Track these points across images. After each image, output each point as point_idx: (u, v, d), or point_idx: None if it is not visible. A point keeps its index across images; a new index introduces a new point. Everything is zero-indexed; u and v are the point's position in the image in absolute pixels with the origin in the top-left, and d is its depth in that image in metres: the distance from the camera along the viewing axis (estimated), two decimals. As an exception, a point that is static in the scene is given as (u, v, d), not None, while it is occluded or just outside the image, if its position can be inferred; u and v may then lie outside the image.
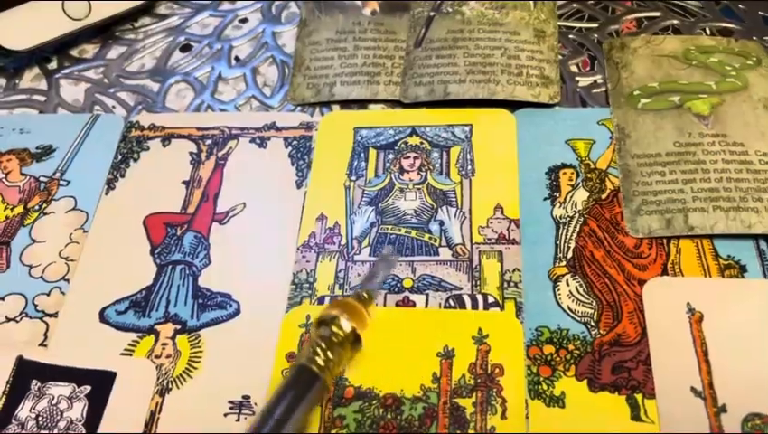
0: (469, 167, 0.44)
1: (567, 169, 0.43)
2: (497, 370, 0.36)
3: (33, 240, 0.43)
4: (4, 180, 0.46)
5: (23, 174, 0.46)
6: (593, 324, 0.37)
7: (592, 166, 0.43)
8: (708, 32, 0.49)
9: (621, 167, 0.42)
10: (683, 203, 0.40)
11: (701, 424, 0.33)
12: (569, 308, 0.38)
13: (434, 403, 0.35)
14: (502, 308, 0.38)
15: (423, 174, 0.44)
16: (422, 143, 0.45)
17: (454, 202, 0.42)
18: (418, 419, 0.35)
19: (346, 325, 0.34)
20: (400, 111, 0.47)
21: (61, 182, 0.45)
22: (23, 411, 0.36)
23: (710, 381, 0.34)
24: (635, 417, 0.34)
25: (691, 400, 0.34)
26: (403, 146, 0.45)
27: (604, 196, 0.42)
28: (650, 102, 0.45)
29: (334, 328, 0.34)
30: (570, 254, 0.39)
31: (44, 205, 0.44)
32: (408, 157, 0.45)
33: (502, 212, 0.41)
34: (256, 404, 0.36)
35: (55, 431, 0.35)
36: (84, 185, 0.45)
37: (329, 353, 0.33)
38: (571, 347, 0.36)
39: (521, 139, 0.44)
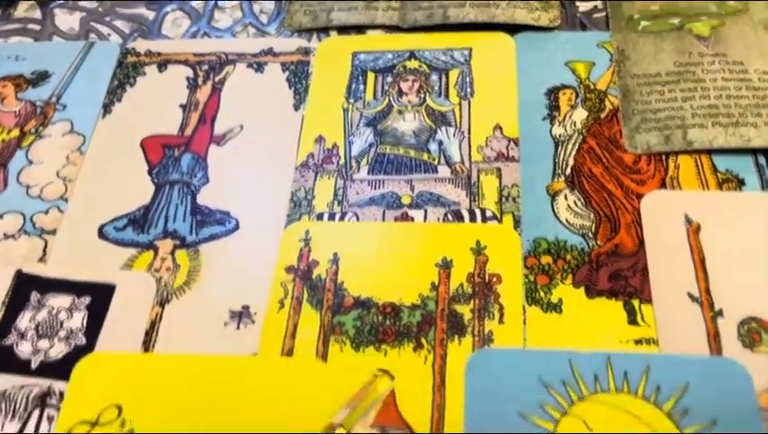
0: (468, 89, 0.43)
1: (567, 90, 0.43)
2: (495, 278, 0.36)
3: (31, 162, 0.43)
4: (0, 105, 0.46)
5: (18, 99, 0.46)
6: (590, 235, 0.37)
7: (591, 87, 0.43)
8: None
9: (620, 87, 0.42)
10: (682, 120, 0.40)
11: (697, 328, 0.34)
12: (567, 221, 0.38)
13: (432, 310, 0.35)
14: (500, 222, 0.38)
15: (421, 96, 0.44)
16: (421, 66, 0.45)
17: (453, 123, 0.42)
18: (417, 325, 0.35)
19: None
20: (399, 35, 0.47)
21: (57, 106, 0.45)
22: (23, 322, 0.36)
23: (707, 287, 0.35)
24: (632, 321, 0.34)
25: (688, 305, 0.34)
26: (402, 69, 0.45)
27: (603, 115, 0.41)
28: (651, 25, 0.44)
29: None
30: (569, 171, 0.39)
31: (41, 129, 0.44)
32: (407, 80, 0.44)
33: (501, 132, 0.41)
34: (255, 313, 0.36)
35: (55, 340, 0.36)
36: (80, 109, 0.45)
37: None
38: (569, 258, 0.36)
39: (521, 62, 0.44)
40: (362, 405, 0.32)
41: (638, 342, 0.33)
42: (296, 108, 0.44)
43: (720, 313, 0.34)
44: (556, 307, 0.35)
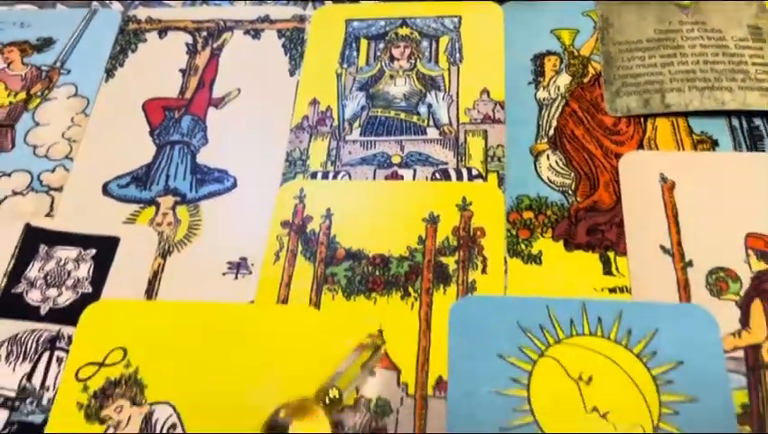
0: (457, 55, 0.45)
1: (552, 56, 0.44)
2: (479, 232, 0.38)
3: (37, 123, 0.44)
4: (6, 69, 0.47)
5: (24, 64, 0.47)
6: (570, 192, 0.39)
7: (575, 54, 0.44)
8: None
9: (603, 54, 0.44)
10: (660, 84, 0.42)
11: (668, 277, 0.36)
12: (549, 179, 0.40)
13: (419, 262, 0.37)
14: (485, 180, 0.40)
15: (412, 61, 0.45)
16: (412, 33, 0.46)
17: (442, 87, 0.44)
18: (404, 275, 0.37)
19: None
20: (391, 4, 0.48)
21: (62, 71, 0.47)
22: (32, 272, 0.38)
23: (679, 240, 0.37)
24: (607, 272, 0.36)
25: (660, 256, 0.36)
26: (393, 36, 0.46)
27: (585, 80, 0.43)
28: (634, -6, 0.46)
29: None
30: (552, 132, 0.41)
31: (46, 92, 0.46)
32: (399, 47, 0.46)
33: (488, 95, 0.43)
34: (252, 265, 0.38)
35: (63, 289, 0.38)
36: (84, 74, 0.46)
37: None
38: (549, 213, 0.38)
39: (508, 30, 0.46)
40: (354, 366, 0.33)
41: (612, 290, 0.36)
42: (292, 73, 0.45)
43: (690, 263, 0.36)
44: (536, 259, 0.37)
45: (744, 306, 0.34)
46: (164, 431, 0.33)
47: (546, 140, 0.41)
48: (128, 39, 0.48)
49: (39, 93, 0.46)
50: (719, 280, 0.35)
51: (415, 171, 0.41)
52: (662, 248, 0.36)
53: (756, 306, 0.34)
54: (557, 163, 0.40)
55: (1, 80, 0.46)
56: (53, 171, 0.42)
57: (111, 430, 0.33)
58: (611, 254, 0.37)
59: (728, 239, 0.36)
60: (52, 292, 0.38)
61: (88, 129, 0.44)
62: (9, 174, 0.42)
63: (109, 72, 0.46)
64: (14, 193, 0.42)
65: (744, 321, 0.34)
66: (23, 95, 0.46)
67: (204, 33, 0.48)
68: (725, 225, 0.37)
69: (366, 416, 0.33)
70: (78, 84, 0.46)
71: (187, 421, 0.33)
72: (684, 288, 0.35)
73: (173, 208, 0.40)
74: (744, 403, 0.32)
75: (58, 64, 0.47)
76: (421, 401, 0.33)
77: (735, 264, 0.36)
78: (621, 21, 0.45)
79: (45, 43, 0.48)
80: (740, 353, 0.33)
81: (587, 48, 0.45)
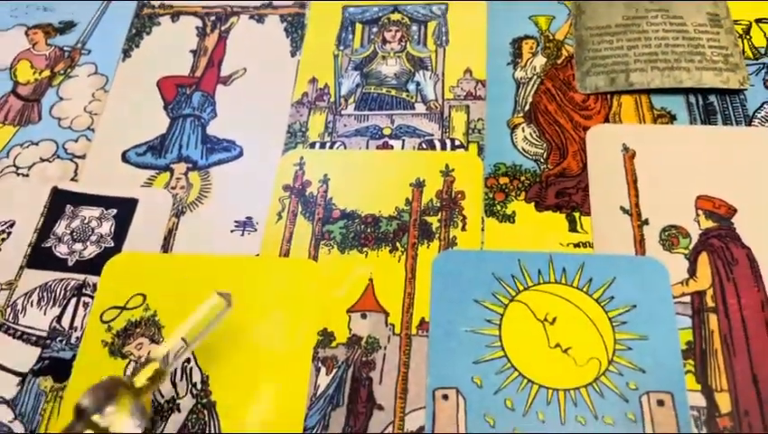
0: (444, 38, 0.49)
1: (529, 40, 0.49)
2: (459, 195, 0.42)
3: (61, 98, 0.49)
4: (32, 49, 0.51)
5: (48, 45, 0.52)
6: (542, 161, 0.43)
7: (551, 38, 0.49)
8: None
9: (576, 38, 0.48)
10: (626, 65, 0.46)
11: (626, 234, 0.40)
12: (523, 149, 0.44)
13: (406, 221, 0.42)
14: (467, 149, 0.44)
15: (403, 44, 0.50)
16: (403, 18, 0.51)
17: (430, 67, 0.48)
18: (393, 233, 0.41)
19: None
20: (384, -8, 0.53)
21: (83, 51, 0.51)
22: (60, 228, 0.43)
23: (637, 201, 0.41)
24: (572, 229, 0.41)
25: (619, 216, 0.41)
26: (386, 21, 0.51)
27: (559, 61, 0.47)
28: (606, -16, 0.50)
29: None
30: (527, 108, 0.46)
31: (69, 70, 0.50)
32: (390, 30, 0.50)
33: (471, 75, 0.47)
34: (257, 223, 0.42)
35: (88, 243, 0.42)
36: (103, 54, 0.51)
37: None
38: (523, 178, 0.43)
39: (490, 16, 0.50)
40: (202, 322, 0.35)
41: (576, 245, 0.40)
42: (293, 54, 0.50)
43: (646, 222, 0.40)
44: (509, 218, 0.41)
45: (693, 259, 0.39)
46: (180, 365, 0.37)
47: (522, 115, 0.45)
48: (143, 23, 0.52)
49: (62, 71, 0.50)
50: (671, 236, 0.40)
51: (403, 141, 0.45)
52: (622, 208, 0.41)
53: (703, 258, 0.39)
54: (531, 135, 0.44)
55: (27, 59, 0.51)
56: (77, 141, 0.47)
57: (133, 365, 0.38)
58: (576, 214, 0.41)
59: (681, 200, 0.41)
60: (78, 246, 0.42)
61: (107, 104, 0.48)
62: (37, 144, 0.47)
63: (126, 53, 0.51)
64: (42, 160, 0.46)
65: (692, 271, 0.38)
66: (47, 73, 0.50)
67: (213, 18, 0.52)
68: (679, 189, 0.41)
69: (358, 351, 0.37)
70: (97, 63, 0.50)
71: (200, 357, 0.38)
72: (640, 243, 0.39)
73: (186, 174, 0.45)
74: (688, 341, 0.36)
75: (79, 45, 0.51)
76: (406, 339, 0.37)
77: (686, 222, 0.40)
78: (592, 8, 0.49)
79: (67, 26, 0.52)
80: (687, 299, 0.38)
81: (562, 32, 0.49)
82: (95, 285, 0.40)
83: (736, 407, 0.34)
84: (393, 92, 0.47)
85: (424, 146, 0.45)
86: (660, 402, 0.35)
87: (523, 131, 0.45)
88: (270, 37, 0.50)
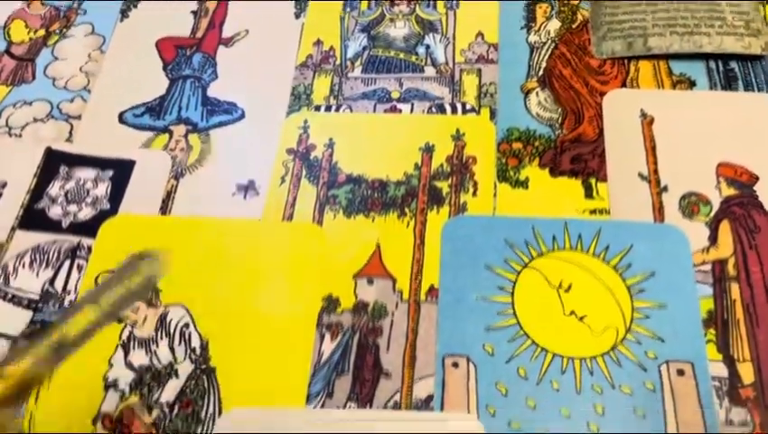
0: (454, 1, 0.48)
1: (543, 4, 0.47)
2: (471, 160, 0.41)
3: (56, 58, 0.47)
4: (26, 9, 0.49)
5: (43, 5, 0.50)
6: (557, 126, 0.42)
7: (565, 1, 0.47)
8: None
9: (591, 1, 0.46)
10: (644, 30, 0.44)
11: (645, 201, 0.38)
12: (537, 114, 0.42)
13: (414, 186, 0.40)
14: (478, 113, 0.43)
15: (412, 6, 0.48)
16: (412, -19, 0.49)
17: (440, 30, 0.46)
18: (401, 198, 0.40)
19: None
20: (393, -46, 0.51)
21: (79, 11, 0.49)
22: (54, 190, 0.41)
23: (656, 168, 0.39)
24: (588, 195, 0.39)
25: (638, 182, 0.39)
26: (394, -17, 0.49)
27: (574, 26, 0.46)
28: (623, -52, 0.49)
29: None
30: (541, 72, 0.44)
31: (64, 30, 0.48)
32: (399, -7, 0.49)
33: (483, 38, 0.46)
34: (260, 186, 0.41)
35: (83, 205, 0.40)
36: (100, 14, 0.49)
37: None
38: (537, 144, 0.41)
39: (503, -21, 0.49)
40: (124, 286, 0.28)
41: (593, 212, 0.38)
42: (297, 16, 0.48)
43: (665, 189, 0.39)
44: (523, 184, 0.40)
45: (714, 227, 0.37)
46: (178, 330, 0.36)
47: (535, 79, 0.44)
48: (142, -18, 0.50)
49: (57, 31, 0.48)
50: (691, 204, 0.38)
51: (412, 105, 0.43)
52: (640, 175, 0.39)
53: (724, 226, 0.37)
54: (545, 100, 0.43)
55: (21, 18, 0.49)
56: (72, 101, 0.45)
57: (128, 329, 0.36)
58: (592, 180, 0.39)
59: (701, 167, 0.39)
60: (73, 208, 0.40)
61: (104, 65, 0.46)
62: (30, 103, 0.45)
63: (124, 13, 0.49)
64: (36, 120, 0.44)
65: (713, 239, 0.37)
66: (42, 32, 0.48)
67: (214, -21, 0.50)
68: (699, 156, 0.40)
69: (364, 318, 0.36)
70: (94, 23, 0.48)
71: (199, 322, 0.36)
72: (659, 211, 0.38)
73: (186, 136, 0.43)
74: (709, 310, 0.35)
75: (75, 5, 0.49)
76: (414, 306, 0.36)
77: (707, 190, 0.38)
78: (609, -28, 0.47)
79: (63, -15, 0.50)
80: (708, 267, 0.36)
81: (577, -3, 0.47)
82: (90, 247, 0.39)
83: (760, 377, 0.33)
84: (402, 55, 0.46)
85: (434, 109, 0.43)
86: (681, 372, 0.33)
87: (537, 96, 0.43)
88: (274, -2, 0.49)
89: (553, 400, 0.33)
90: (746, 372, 0.33)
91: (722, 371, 0.33)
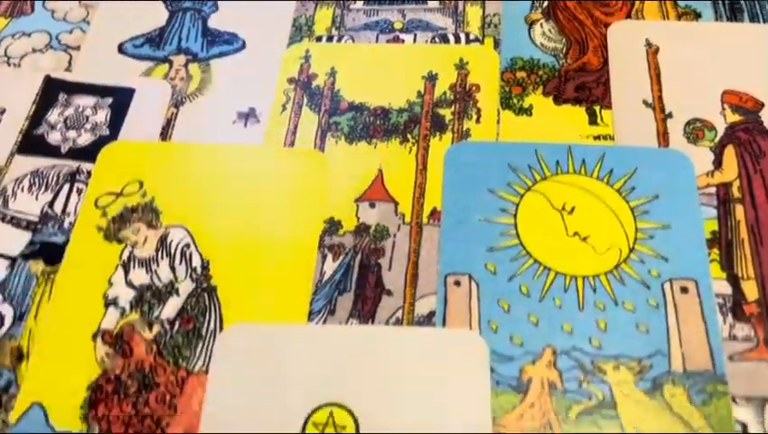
0: (457, -65, 0.47)
1: (548, -61, 0.47)
2: (474, 88, 0.40)
3: (54, -10, 0.47)
4: (23, -57, 0.49)
5: (41, -62, 0.49)
6: (561, 56, 0.41)
7: (570, -64, 0.47)
8: None
9: (596, -64, 0.46)
10: (650, -39, 0.44)
11: (649, 127, 0.38)
12: (542, 44, 0.42)
13: (417, 113, 0.40)
14: (482, 43, 0.42)
15: (415, -60, 0.47)
16: None
17: (443, -36, 0.46)
18: (403, 124, 0.39)
19: None
20: None
21: (78, -55, 0.49)
22: (53, 116, 0.41)
23: (660, 95, 0.39)
24: (593, 122, 0.39)
25: (642, 109, 0.39)
26: None
27: (579, -41, 0.45)
28: None
29: None
30: (545, 4, 0.44)
31: (63, -37, 0.48)
32: (402, -73, 0.48)
33: (486, -29, 0.45)
34: (260, 114, 0.40)
35: (82, 131, 0.40)
36: (99, -52, 0.49)
37: None
38: (541, 73, 0.41)
39: None
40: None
41: (597, 138, 0.38)
42: (299, -50, 0.48)
43: (670, 115, 0.38)
44: (526, 111, 0.39)
45: (718, 152, 0.37)
46: (179, 250, 0.36)
47: (540, 11, 0.43)
48: None
49: (56, -36, 0.48)
50: (696, 129, 0.38)
51: (415, 36, 0.43)
52: (644, 102, 0.39)
53: (729, 151, 0.37)
54: (549, 30, 0.42)
55: (19, -49, 0.49)
56: (71, 32, 0.44)
57: (129, 249, 0.36)
58: (597, 107, 0.39)
59: (706, 95, 0.39)
60: (72, 134, 0.40)
61: (103, -4, 0.46)
62: (29, 35, 0.44)
63: (123, -53, 0.48)
64: (34, 51, 0.44)
65: (718, 163, 0.37)
66: (40, -35, 0.48)
67: None
68: (704, 84, 0.39)
69: (366, 239, 0.36)
70: (93, -43, 0.48)
71: (200, 243, 0.36)
72: (663, 136, 0.38)
73: (186, 65, 0.43)
74: (713, 230, 0.35)
75: (74, -61, 0.49)
76: (416, 228, 0.36)
77: (712, 116, 0.38)
78: None
79: None
80: (712, 190, 0.36)
81: (582, -69, 0.47)
82: (89, 172, 0.38)
83: (763, 294, 0.33)
84: (404, -13, 0.45)
85: (437, 39, 0.43)
86: (684, 289, 0.33)
87: (541, 27, 0.42)
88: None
89: (555, 317, 0.33)
90: (750, 290, 0.33)
91: (726, 288, 0.33)
